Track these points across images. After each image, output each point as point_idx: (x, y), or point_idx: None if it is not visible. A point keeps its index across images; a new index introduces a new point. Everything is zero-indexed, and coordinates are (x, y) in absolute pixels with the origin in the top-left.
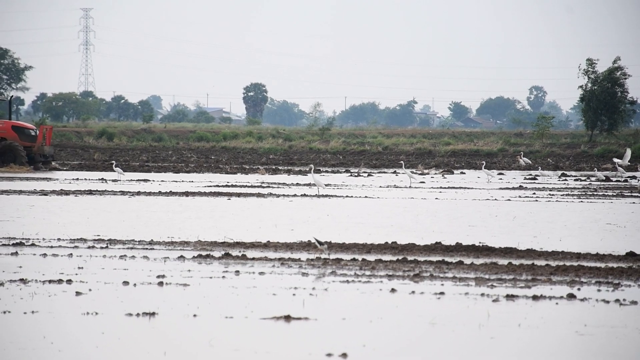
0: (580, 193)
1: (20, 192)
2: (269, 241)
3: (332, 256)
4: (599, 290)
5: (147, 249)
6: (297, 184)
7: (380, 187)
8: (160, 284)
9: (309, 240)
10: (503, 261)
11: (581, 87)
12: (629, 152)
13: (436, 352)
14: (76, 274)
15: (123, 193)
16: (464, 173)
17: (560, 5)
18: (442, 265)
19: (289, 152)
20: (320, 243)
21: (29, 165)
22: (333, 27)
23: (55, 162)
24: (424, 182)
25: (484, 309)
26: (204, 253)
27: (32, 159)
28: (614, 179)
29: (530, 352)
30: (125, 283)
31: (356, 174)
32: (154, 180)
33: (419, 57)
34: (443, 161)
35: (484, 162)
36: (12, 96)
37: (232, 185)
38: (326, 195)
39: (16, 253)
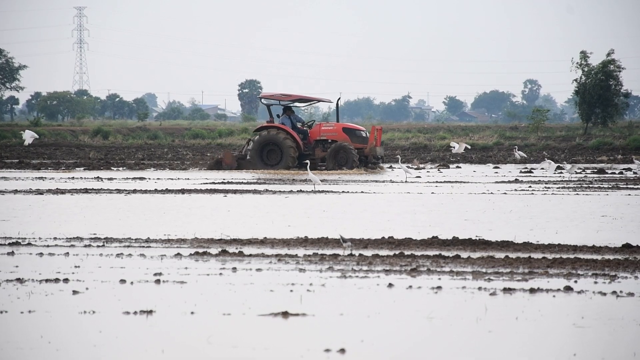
0: (575, 186)
1: (16, 191)
2: (265, 237)
3: (329, 252)
4: (595, 283)
5: (143, 246)
6: (293, 180)
7: (376, 182)
8: (158, 281)
9: (308, 237)
10: (500, 254)
11: (575, 80)
12: None
13: (434, 346)
14: (73, 273)
15: (119, 191)
16: (460, 167)
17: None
18: (439, 259)
19: None
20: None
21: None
22: (327, 23)
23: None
24: (419, 177)
25: (481, 303)
26: (200, 250)
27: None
28: (609, 171)
29: (528, 345)
30: (122, 281)
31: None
32: (149, 178)
33: (414, 52)
34: (439, 155)
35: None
36: (340, 98)
37: (228, 182)
38: (322, 191)
39: (12, 253)
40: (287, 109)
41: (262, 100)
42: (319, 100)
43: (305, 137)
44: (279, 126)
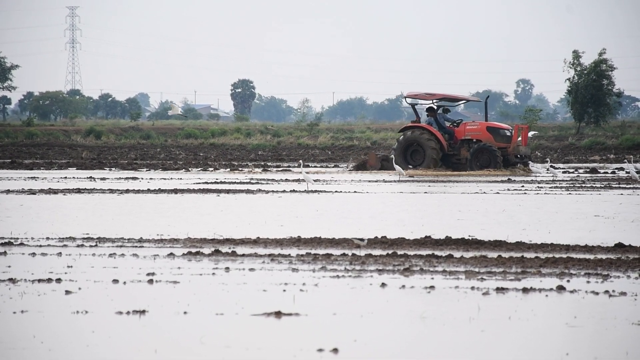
0: (568, 185)
1: (8, 191)
2: (258, 237)
3: (322, 252)
4: (588, 282)
5: (136, 246)
6: (286, 180)
7: (370, 181)
8: (150, 281)
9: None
10: (492, 254)
11: (568, 80)
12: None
13: (427, 346)
14: (65, 273)
15: (112, 191)
16: None
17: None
18: (432, 259)
19: (278, 148)
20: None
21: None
22: (320, 22)
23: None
24: (412, 177)
25: (474, 302)
26: (193, 250)
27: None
28: (602, 171)
29: (521, 345)
30: (115, 281)
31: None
32: (142, 178)
33: (407, 52)
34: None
35: None
36: (489, 96)
37: (221, 182)
38: (315, 191)
39: (5, 253)
40: (432, 109)
41: (407, 99)
42: (467, 100)
43: (451, 137)
44: (422, 126)
